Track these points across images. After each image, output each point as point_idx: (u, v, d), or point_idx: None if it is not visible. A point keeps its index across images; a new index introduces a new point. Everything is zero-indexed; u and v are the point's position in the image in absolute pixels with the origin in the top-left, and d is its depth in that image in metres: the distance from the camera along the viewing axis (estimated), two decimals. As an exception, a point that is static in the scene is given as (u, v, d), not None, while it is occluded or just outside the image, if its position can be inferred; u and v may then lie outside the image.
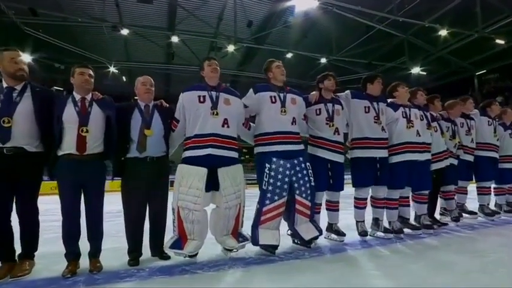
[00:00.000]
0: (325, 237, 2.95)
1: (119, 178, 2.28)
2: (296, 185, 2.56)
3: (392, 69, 14.51)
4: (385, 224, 3.13)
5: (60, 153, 2.04)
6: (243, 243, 2.43)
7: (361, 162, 3.00)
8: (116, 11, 12.02)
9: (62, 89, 13.11)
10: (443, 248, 2.67)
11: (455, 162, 3.70)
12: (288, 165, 2.54)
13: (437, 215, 3.75)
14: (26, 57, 11.35)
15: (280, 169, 2.51)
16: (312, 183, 2.65)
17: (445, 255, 2.38)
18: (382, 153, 3.02)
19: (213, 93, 2.42)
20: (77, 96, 2.13)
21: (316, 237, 2.69)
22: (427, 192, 3.34)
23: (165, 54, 15.54)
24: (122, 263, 2.21)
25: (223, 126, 2.36)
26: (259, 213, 2.48)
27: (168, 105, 2.52)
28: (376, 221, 3.10)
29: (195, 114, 2.35)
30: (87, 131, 2.05)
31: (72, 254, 2.05)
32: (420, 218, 3.36)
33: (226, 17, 12.69)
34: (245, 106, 2.65)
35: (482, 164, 3.96)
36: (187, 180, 2.22)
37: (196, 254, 2.35)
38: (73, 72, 2.15)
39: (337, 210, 2.99)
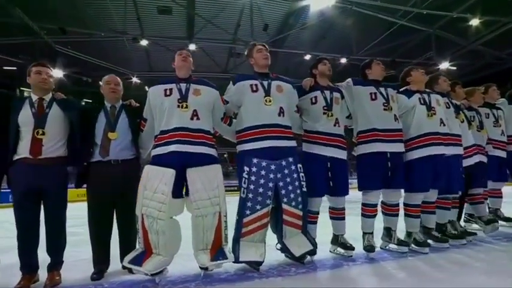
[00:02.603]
0: (330, 251, 2.58)
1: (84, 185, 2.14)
2: (283, 191, 2.21)
3: (419, 66, 13.60)
4: (399, 234, 2.64)
5: (15, 157, 1.94)
6: (220, 261, 2.02)
7: (367, 159, 2.52)
8: (136, 24, 12.45)
9: (90, 100, 13.80)
10: (469, 266, 2.21)
11: (485, 159, 3.19)
12: (273, 167, 2.20)
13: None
14: (58, 73, 12.11)
15: (263, 172, 2.18)
16: (304, 189, 2.29)
17: (472, 277, 1.94)
18: (395, 147, 2.51)
19: (183, 85, 2.20)
20: (34, 97, 2.04)
21: (310, 253, 2.30)
22: (452, 195, 2.84)
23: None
24: (85, 277, 2.06)
25: (192, 119, 2.12)
26: (239, 225, 2.17)
27: (138, 104, 2.37)
28: (388, 231, 2.65)
29: (160, 109, 2.15)
30: (43, 133, 1.95)
31: (27, 267, 1.94)
32: (446, 227, 2.85)
33: (243, 22, 12.72)
34: (226, 102, 2.39)
35: None
36: (153, 183, 1.98)
37: (161, 272, 2.00)
38: (29, 72, 2.06)
39: (343, 218, 2.57)
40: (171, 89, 2.18)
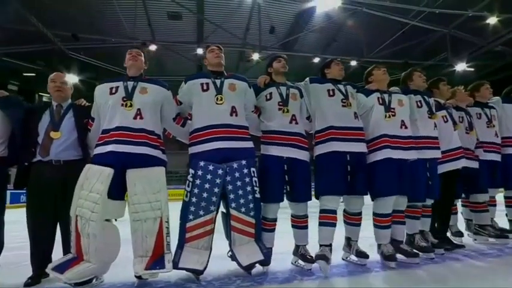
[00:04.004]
0: (292, 263, 2.40)
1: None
2: (232, 195, 2.09)
3: (433, 68, 13.02)
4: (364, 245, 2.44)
5: None
6: (156, 271, 1.89)
7: (324, 160, 2.30)
8: (147, 29, 12.76)
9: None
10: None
11: (474, 164, 2.92)
12: (220, 171, 2.07)
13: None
14: (73, 79, 12.56)
15: (208, 176, 2.06)
16: (257, 195, 2.14)
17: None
18: (355, 147, 2.29)
19: (130, 84, 2.12)
20: None
21: (262, 263, 2.12)
22: (422, 204, 2.59)
23: (196, 66, 16.03)
24: (19, 283, 1.98)
25: (135, 118, 2.03)
26: (182, 229, 2.06)
27: (89, 104, 2.31)
28: (348, 242, 2.47)
29: (104, 108, 2.09)
30: None
31: None
32: (414, 238, 2.59)
33: (252, 26, 12.74)
34: (180, 103, 2.31)
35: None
36: (90, 182, 1.89)
37: (89, 282, 1.86)
38: None
39: (304, 227, 2.37)
40: (117, 87, 2.11)
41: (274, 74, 2.50)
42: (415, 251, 2.47)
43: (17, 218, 2.49)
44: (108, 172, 1.89)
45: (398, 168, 2.39)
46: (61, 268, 1.84)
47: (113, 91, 2.10)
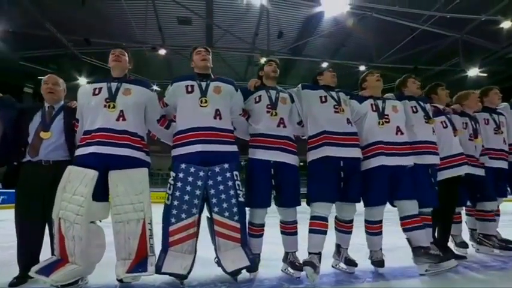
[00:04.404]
0: (282, 270, 2.36)
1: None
2: (214, 199, 2.06)
3: (444, 73, 12.75)
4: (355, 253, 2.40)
5: None
6: (138, 274, 1.89)
7: (317, 166, 2.27)
8: (156, 33, 12.96)
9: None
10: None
11: (479, 171, 2.81)
12: (201, 173, 2.05)
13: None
14: (85, 82, 12.86)
15: (190, 179, 2.04)
16: (240, 199, 2.11)
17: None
18: (349, 152, 2.25)
19: (113, 85, 2.12)
20: None
21: (249, 269, 2.09)
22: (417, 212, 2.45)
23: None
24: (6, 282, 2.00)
25: (118, 119, 2.03)
26: (165, 233, 2.04)
27: None
28: (338, 249, 2.42)
29: (86, 109, 2.09)
30: None
31: None
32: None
33: (261, 31, 12.79)
34: (166, 105, 2.30)
35: None
36: (73, 185, 1.89)
37: (75, 283, 1.86)
38: None
39: (293, 234, 2.33)
40: (100, 88, 2.12)
41: (265, 78, 2.49)
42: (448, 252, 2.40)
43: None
44: (92, 174, 1.88)
45: (394, 175, 2.33)
46: (45, 271, 1.84)
47: (96, 92, 2.11)
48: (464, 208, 3.13)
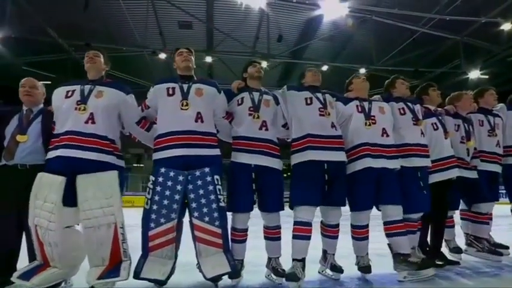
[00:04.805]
0: (265, 277, 2.32)
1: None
2: (194, 204, 2.01)
3: (445, 75, 12.66)
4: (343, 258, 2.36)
5: None
6: (110, 280, 1.84)
7: (301, 169, 2.23)
8: (157, 38, 13.05)
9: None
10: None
11: (474, 174, 2.76)
12: (181, 178, 2.01)
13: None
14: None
15: (169, 183, 2.00)
16: (221, 203, 2.06)
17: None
18: (333, 155, 2.20)
19: (87, 87, 2.10)
20: None
21: (231, 275, 2.05)
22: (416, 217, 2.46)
23: (206, 74, 16.26)
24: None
25: (87, 122, 2.00)
26: (144, 238, 2.01)
27: None
28: (325, 254, 2.37)
29: (58, 111, 2.08)
30: None
31: None
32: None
33: (261, 34, 12.84)
34: (147, 107, 2.28)
35: None
36: (43, 191, 1.88)
37: (58, 285, 1.86)
38: None
39: (276, 239, 2.28)
40: (73, 91, 2.10)
41: (248, 79, 2.45)
42: (424, 259, 2.30)
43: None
44: (60, 180, 1.87)
45: (380, 178, 2.28)
46: (27, 275, 1.83)
47: (69, 94, 2.09)
48: (458, 212, 3.06)
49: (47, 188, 1.88)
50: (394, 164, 2.35)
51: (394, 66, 12.19)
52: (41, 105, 2.31)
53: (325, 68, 13.15)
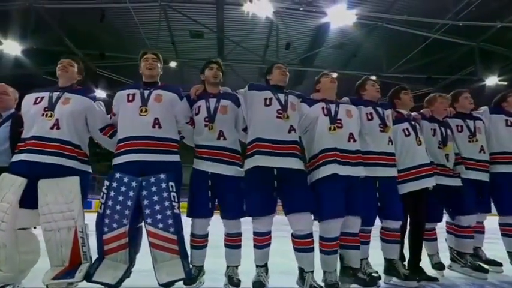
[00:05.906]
0: (224, 285, 2.23)
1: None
2: (148, 211, 1.98)
3: (461, 82, 12.16)
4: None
5: None
6: (65, 280, 1.84)
7: (250, 177, 2.14)
8: (170, 47, 13.42)
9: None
10: None
11: (457, 182, 2.57)
12: (134, 184, 1.99)
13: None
14: (101, 94, 13.44)
15: (123, 189, 1.99)
16: (176, 210, 2.01)
17: None
18: (283, 161, 2.07)
19: (55, 94, 2.13)
20: None
21: (185, 282, 2.00)
22: (370, 228, 2.32)
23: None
24: None
25: (52, 128, 2.03)
26: (100, 242, 1.99)
27: None
28: (301, 274, 2.14)
29: (27, 117, 2.13)
30: None
31: None
32: (361, 265, 2.28)
33: (271, 43, 12.92)
34: (114, 114, 2.28)
35: (504, 186, 2.65)
36: (3, 191, 1.90)
37: None
38: None
39: (235, 247, 2.20)
40: (42, 97, 2.15)
41: (206, 83, 2.39)
42: (373, 275, 2.18)
43: None
44: (20, 182, 1.89)
45: (346, 186, 2.16)
46: None
47: (37, 101, 2.14)
48: (440, 224, 2.86)
49: (6, 188, 1.91)
50: (360, 172, 2.22)
51: (406, 73, 11.87)
52: (12, 110, 2.38)
53: (334, 75, 13.00)
